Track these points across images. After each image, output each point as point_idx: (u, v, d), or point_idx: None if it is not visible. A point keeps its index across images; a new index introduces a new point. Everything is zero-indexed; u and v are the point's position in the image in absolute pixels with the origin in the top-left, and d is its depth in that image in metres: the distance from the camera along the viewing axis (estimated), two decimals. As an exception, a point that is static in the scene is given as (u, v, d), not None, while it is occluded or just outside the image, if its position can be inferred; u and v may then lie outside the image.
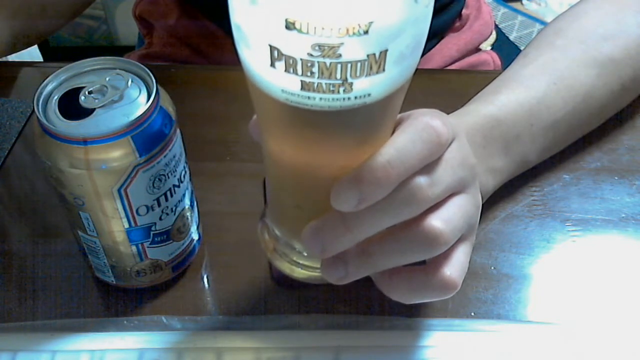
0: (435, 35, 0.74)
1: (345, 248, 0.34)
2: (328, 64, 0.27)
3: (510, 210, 0.48)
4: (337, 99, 0.28)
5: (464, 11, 0.76)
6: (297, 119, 0.30)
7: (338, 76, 0.27)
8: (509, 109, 0.46)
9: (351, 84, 0.28)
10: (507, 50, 0.83)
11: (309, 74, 0.27)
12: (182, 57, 0.75)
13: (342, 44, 0.26)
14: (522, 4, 1.96)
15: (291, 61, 0.27)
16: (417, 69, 0.30)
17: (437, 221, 0.34)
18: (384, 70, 0.28)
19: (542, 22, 1.89)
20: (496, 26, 0.82)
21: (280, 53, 0.27)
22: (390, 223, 0.34)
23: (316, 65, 0.27)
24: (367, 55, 0.27)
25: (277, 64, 0.27)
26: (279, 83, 0.28)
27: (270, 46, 0.27)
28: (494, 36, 0.80)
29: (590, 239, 0.47)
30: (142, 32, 0.81)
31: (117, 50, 1.66)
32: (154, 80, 0.37)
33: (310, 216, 0.34)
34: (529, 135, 0.47)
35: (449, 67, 0.75)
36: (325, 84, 0.27)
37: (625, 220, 0.48)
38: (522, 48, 0.55)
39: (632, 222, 0.48)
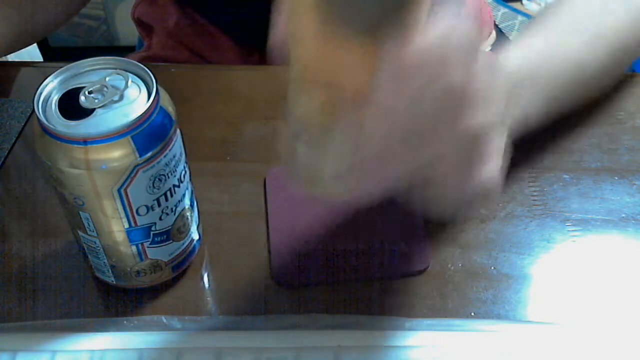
0: (435, 34, 0.74)
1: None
2: None
3: (510, 210, 0.48)
4: None
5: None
6: None
7: None
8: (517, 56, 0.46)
9: None
10: (507, 50, 0.83)
11: None
12: (181, 59, 0.75)
13: None
14: (522, 4, 1.96)
15: None
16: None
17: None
18: None
19: (542, 22, 1.88)
20: (496, 26, 0.82)
21: None
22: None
23: None
24: None
25: None
26: None
27: None
28: (494, 36, 0.80)
29: (590, 239, 0.47)
30: (141, 34, 0.81)
31: (117, 50, 1.66)
32: (154, 80, 0.37)
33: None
34: (530, 87, 0.46)
35: (449, 67, 0.74)
36: None
37: (625, 220, 0.48)
38: (522, 48, 0.55)
39: (632, 222, 0.48)
